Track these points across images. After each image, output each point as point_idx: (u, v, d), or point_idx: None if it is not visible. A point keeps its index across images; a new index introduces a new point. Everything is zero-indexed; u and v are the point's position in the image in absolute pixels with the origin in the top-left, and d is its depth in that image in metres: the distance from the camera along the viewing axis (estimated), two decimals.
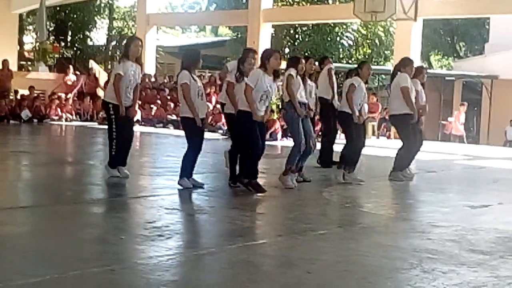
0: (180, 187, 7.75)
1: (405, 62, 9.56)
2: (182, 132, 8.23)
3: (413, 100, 9.26)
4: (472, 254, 5.23)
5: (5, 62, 20.57)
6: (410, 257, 5.01)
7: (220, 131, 16.85)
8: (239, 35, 28.82)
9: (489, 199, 8.43)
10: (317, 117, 10.43)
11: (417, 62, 19.28)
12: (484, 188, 9.63)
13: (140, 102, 19.56)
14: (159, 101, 20.59)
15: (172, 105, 19.86)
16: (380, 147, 15.39)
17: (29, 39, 34.19)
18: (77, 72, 23.91)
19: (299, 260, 4.87)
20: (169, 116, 19.48)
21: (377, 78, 25.12)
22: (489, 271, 4.76)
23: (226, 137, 16.10)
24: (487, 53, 28.31)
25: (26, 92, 20.34)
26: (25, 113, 19.12)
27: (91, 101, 21.08)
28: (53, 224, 5.94)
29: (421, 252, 5.19)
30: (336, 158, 9.90)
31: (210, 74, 24.33)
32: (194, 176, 7.94)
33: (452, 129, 22.43)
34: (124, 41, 8.54)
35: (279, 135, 16.11)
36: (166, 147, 10.50)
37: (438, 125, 25.76)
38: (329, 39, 27.35)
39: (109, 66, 31.19)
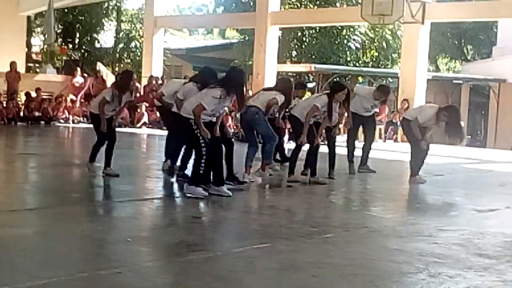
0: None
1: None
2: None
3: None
4: (479, 258, 5.22)
5: (13, 64, 20.63)
6: (416, 261, 5.01)
7: None
8: (247, 38, 28.82)
9: (496, 203, 8.40)
10: None
11: (425, 65, 19.30)
12: (491, 192, 9.60)
13: (147, 105, 19.62)
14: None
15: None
16: (387, 150, 15.36)
17: (37, 41, 34.30)
18: (85, 74, 23.97)
19: (305, 263, 4.87)
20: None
21: (384, 81, 25.09)
22: (496, 275, 4.75)
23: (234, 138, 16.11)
24: (495, 57, 28.26)
25: (33, 94, 20.39)
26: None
27: None
28: (60, 226, 5.96)
29: (428, 256, 5.18)
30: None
31: None
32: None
33: None
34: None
35: (285, 138, 16.06)
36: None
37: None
38: (336, 42, 27.36)
39: (117, 69, 31.26)
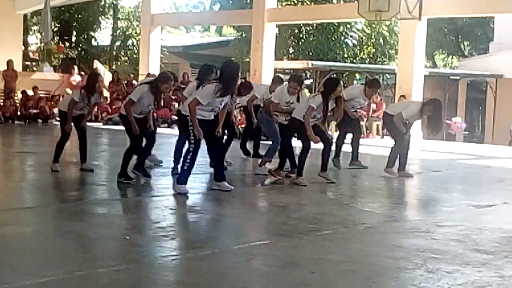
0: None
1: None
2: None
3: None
4: (476, 253, 5.23)
5: (9, 62, 20.61)
6: (414, 257, 5.02)
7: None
8: (244, 35, 28.80)
9: (494, 198, 8.41)
10: None
11: (422, 62, 19.31)
12: (489, 187, 9.62)
13: None
14: (162, 101, 20.55)
15: (176, 105, 19.86)
16: (384, 146, 15.36)
17: (34, 40, 34.25)
18: (82, 73, 23.93)
19: (304, 260, 4.88)
20: (173, 117, 19.47)
21: (381, 78, 25.12)
22: (494, 270, 4.76)
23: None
24: (492, 52, 28.28)
25: (30, 92, 20.37)
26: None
27: None
28: (58, 224, 5.97)
29: (426, 252, 5.20)
30: None
31: None
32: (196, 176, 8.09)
33: None
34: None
35: None
36: (170, 147, 10.52)
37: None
38: (333, 38, 27.33)
39: (114, 67, 31.22)
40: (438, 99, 10.23)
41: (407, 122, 9.69)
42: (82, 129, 9.13)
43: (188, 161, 7.41)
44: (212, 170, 8.89)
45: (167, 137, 16.11)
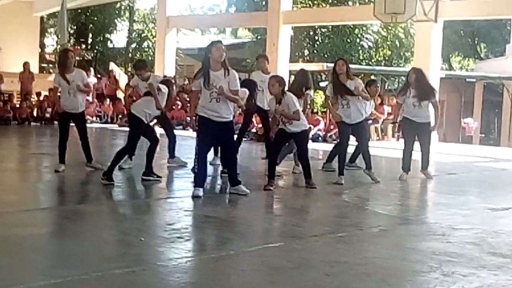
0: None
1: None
2: None
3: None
4: (492, 257, 5.20)
5: (26, 64, 20.75)
6: (429, 260, 4.99)
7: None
8: (259, 37, 28.80)
9: (510, 201, 8.37)
10: None
11: (438, 64, 19.20)
12: (505, 190, 9.56)
13: None
14: (178, 103, 20.62)
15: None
16: (399, 149, 15.30)
17: (50, 42, 34.48)
18: (98, 75, 24.04)
19: (318, 262, 4.87)
20: (188, 118, 19.49)
21: (397, 80, 25.04)
22: (510, 274, 4.73)
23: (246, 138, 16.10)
24: (509, 55, 28.06)
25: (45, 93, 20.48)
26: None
27: (111, 103, 21.19)
28: (74, 225, 5.99)
29: (441, 255, 5.17)
30: None
31: None
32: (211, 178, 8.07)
33: None
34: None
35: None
36: (185, 149, 10.57)
37: (459, 127, 25.62)
38: (348, 40, 27.26)
39: (129, 69, 31.35)
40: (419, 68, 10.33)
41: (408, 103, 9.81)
42: (81, 129, 9.42)
43: (196, 164, 7.66)
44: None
45: (182, 139, 16.15)
